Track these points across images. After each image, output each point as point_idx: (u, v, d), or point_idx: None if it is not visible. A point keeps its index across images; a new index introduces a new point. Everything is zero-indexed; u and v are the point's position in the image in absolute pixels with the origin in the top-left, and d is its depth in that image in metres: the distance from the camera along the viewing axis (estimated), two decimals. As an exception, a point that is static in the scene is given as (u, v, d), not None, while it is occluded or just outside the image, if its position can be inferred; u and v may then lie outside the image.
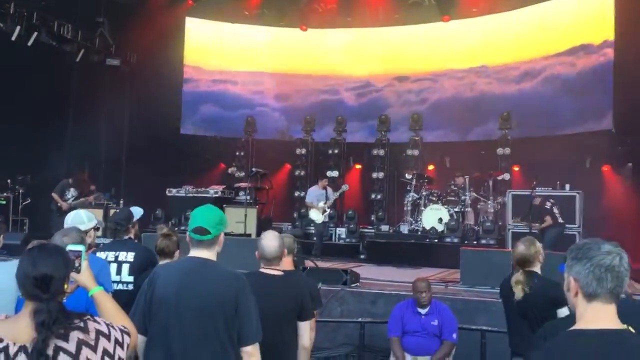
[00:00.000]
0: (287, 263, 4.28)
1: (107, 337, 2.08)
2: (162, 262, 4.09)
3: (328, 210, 11.45)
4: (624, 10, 11.58)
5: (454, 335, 5.35)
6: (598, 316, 1.85)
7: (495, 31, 14.43)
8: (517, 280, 4.10)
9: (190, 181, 13.22)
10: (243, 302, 2.97)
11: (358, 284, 7.60)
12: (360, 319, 6.39)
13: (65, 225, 3.96)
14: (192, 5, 15.38)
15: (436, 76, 15.25)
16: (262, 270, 3.77)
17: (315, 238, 11.42)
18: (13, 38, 11.89)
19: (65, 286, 2.11)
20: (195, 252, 3.07)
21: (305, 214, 11.91)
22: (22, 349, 1.95)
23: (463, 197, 11.73)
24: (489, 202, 12.02)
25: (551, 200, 10.24)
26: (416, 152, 13.57)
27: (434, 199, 11.76)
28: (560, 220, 10.03)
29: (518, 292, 4.05)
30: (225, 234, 3.19)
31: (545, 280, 4.08)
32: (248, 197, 11.98)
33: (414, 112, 14.24)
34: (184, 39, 15.97)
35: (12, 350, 1.95)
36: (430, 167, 13.85)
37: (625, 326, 1.86)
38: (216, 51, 16.32)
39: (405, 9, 14.88)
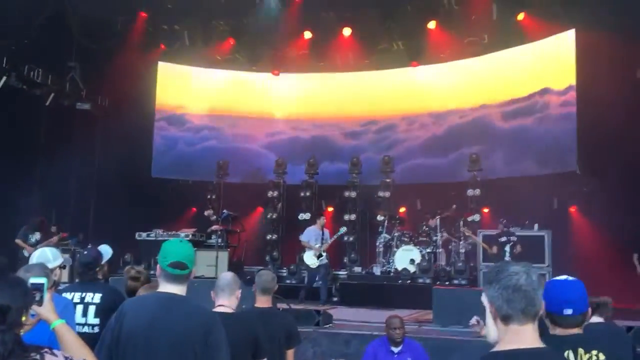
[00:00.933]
0: (264, 301, 4.25)
1: None
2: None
3: (324, 254, 10.74)
4: (585, 55, 12.04)
5: (428, 374, 5.31)
6: (514, 337, 1.86)
7: (462, 76, 14.84)
8: None
9: (161, 225, 13.06)
10: (214, 338, 2.92)
11: (331, 324, 7.53)
12: (333, 360, 6.31)
13: (30, 262, 3.88)
14: (164, 50, 15.50)
15: (406, 119, 15.54)
16: (214, 309, 3.71)
17: (305, 282, 11.07)
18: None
19: (24, 318, 2.07)
20: (166, 287, 3.02)
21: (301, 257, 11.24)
22: None
23: (435, 238, 11.81)
24: (461, 242, 12.11)
25: (512, 239, 10.39)
26: (387, 194, 13.68)
27: (405, 239, 11.81)
28: (506, 257, 10.13)
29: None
30: (196, 277, 3.16)
31: None
32: (219, 240, 11.88)
33: (385, 155, 14.42)
34: (155, 83, 16.01)
35: None
36: (402, 209, 13.95)
37: (542, 345, 1.87)
38: (188, 95, 16.40)
39: (375, 55, 15.24)
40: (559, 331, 2.61)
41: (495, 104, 14.38)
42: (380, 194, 13.71)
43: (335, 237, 11.17)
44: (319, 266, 10.65)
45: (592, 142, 11.57)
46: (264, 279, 4.26)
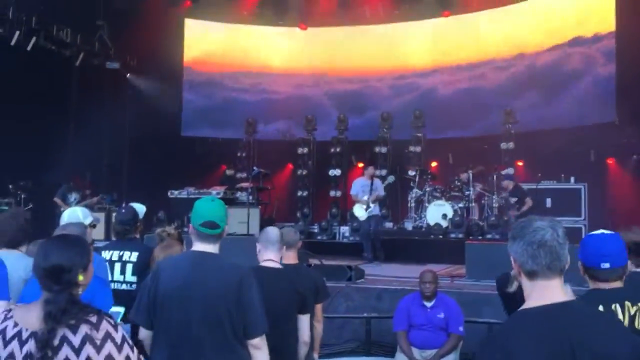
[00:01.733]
0: (290, 257, 4.24)
1: (118, 346, 2.02)
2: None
3: (372, 206, 10.11)
4: (625, 0, 11.52)
5: (461, 328, 5.29)
6: (542, 293, 1.84)
7: (495, 25, 14.38)
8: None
9: (192, 183, 13.16)
10: (247, 294, 2.93)
11: (363, 279, 7.55)
12: (365, 315, 6.34)
13: (62, 222, 3.93)
14: (190, 7, 15.35)
15: (438, 72, 15.19)
16: (261, 264, 3.73)
17: (360, 238, 10.61)
18: (12, 43, 11.87)
19: (81, 277, 2.07)
20: (200, 246, 3.04)
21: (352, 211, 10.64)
22: (33, 335, 1.96)
23: (467, 193, 11.66)
24: (494, 196, 11.94)
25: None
26: (419, 149, 13.51)
27: (437, 195, 11.69)
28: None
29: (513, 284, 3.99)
30: (228, 234, 3.16)
31: None
32: (250, 198, 11.93)
33: (415, 109, 14.17)
34: (183, 40, 15.95)
35: (25, 335, 1.98)
36: (434, 164, 13.79)
37: (570, 298, 1.85)
38: (216, 52, 16.30)
39: (405, 5, 14.84)
40: (600, 285, 2.57)
41: (529, 53, 13.93)
42: (412, 148, 13.55)
43: (384, 185, 10.63)
44: (368, 218, 10.11)
45: (632, 92, 11.15)
46: (287, 236, 4.25)
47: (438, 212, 11.30)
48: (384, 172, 13.78)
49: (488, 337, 1.89)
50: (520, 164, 12.86)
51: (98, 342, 1.96)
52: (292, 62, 16.23)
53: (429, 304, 5.38)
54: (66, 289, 2.01)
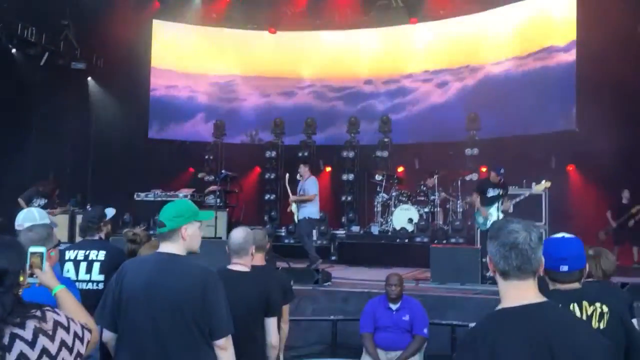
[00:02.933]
0: (258, 259, 4.26)
1: (66, 329, 2.06)
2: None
3: (294, 206, 9.28)
4: (586, 11, 11.87)
5: (425, 330, 5.39)
6: (517, 293, 1.89)
7: (461, 33, 14.63)
8: None
9: (159, 186, 13.05)
10: (211, 296, 2.94)
11: (330, 283, 7.61)
12: (332, 317, 6.40)
13: (17, 223, 3.87)
14: (158, 8, 15.22)
15: (405, 78, 15.39)
16: (229, 267, 3.74)
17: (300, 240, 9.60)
18: (-26, 41, 11.62)
19: (21, 278, 2.09)
20: (162, 247, 3.05)
21: None
22: None
23: (432, 197, 11.85)
24: (458, 201, 12.16)
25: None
26: (385, 154, 13.67)
27: (403, 199, 11.85)
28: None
29: None
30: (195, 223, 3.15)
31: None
32: (218, 201, 11.89)
33: (383, 114, 14.33)
34: (151, 41, 15.78)
35: None
36: (400, 169, 13.96)
37: (544, 299, 1.90)
38: (184, 54, 16.19)
39: (373, 12, 14.99)
40: (559, 286, 2.67)
41: (494, 62, 14.23)
42: (378, 153, 13.70)
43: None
44: (298, 219, 9.37)
45: (592, 100, 11.49)
46: (257, 237, 4.27)
47: (404, 217, 11.46)
48: (351, 176, 13.91)
49: (468, 336, 1.94)
50: (484, 169, 13.12)
51: (50, 332, 2.00)
52: (261, 65, 16.23)
53: (394, 307, 5.46)
54: (10, 291, 2.02)
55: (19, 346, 1.94)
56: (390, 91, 15.54)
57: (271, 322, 3.80)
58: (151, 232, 10.01)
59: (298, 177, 9.52)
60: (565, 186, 12.19)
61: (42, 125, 13.30)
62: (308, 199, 9.13)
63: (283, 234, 12.83)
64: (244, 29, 15.95)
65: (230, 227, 11.46)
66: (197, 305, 2.89)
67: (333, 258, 11.42)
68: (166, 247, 3.03)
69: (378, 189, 12.32)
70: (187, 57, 16.22)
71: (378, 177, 12.37)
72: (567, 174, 12.64)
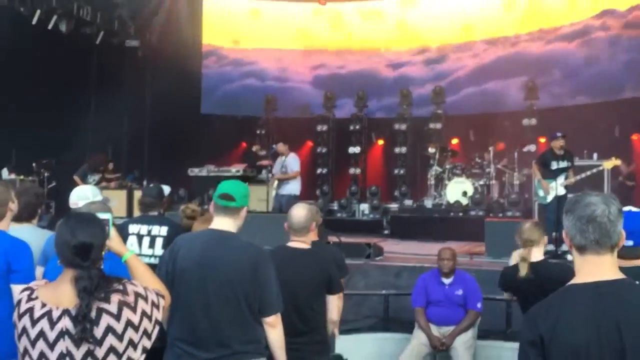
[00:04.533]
0: (312, 235, 4.24)
1: (145, 299, 2.14)
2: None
3: (275, 184, 9.38)
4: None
5: (479, 305, 5.29)
6: (591, 269, 1.83)
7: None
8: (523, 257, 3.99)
9: (212, 161, 13.23)
10: (262, 273, 2.96)
11: (382, 257, 7.56)
12: (384, 292, 6.36)
13: (71, 201, 3.95)
14: (209, -16, 15.28)
15: (458, 47, 14.97)
16: (288, 244, 3.72)
17: None
18: (34, 22, 11.96)
19: (103, 253, 2.17)
20: (217, 222, 3.06)
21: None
22: (66, 312, 2.04)
23: (488, 170, 11.56)
24: (515, 174, 11.82)
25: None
26: (439, 126, 13.40)
27: (457, 172, 11.61)
28: None
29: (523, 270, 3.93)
30: (248, 212, 3.17)
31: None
32: (270, 175, 11.96)
33: (436, 85, 14.02)
34: (201, 17, 15.90)
35: (56, 314, 2.04)
36: (454, 141, 13.67)
37: (621, 276, 1.83)
38: (234, 29, 16.25)
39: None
40: (620, 263, 2.53)
41: (552, 27, 13.65)
42: (432, 125, 13.44)
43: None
44: (278, 196, 9.39)
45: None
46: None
47: (458, 190, 11.23)
48: (403, 149, 13.72)
49: (533, 309, 1.88)
50: (542, 140, 12.68)
51: (132, 304, 2.08)
52: (311, 38, 16.12)
53: (447, 281, 5.37)
54: (95, 265, 2.09)
55: (105, 320, 2.02)
56: (444, 61, 15.16)
57: (332, 300, 3.80)
58: (205, 207, 10.19)
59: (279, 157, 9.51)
60: (629, 157, 11.66)
61: (99, 104, 13.66)
62: (292, 177, 9.14)
63: (335, 208, 12.82)
64: (295, 1, 15.82)
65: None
66: (247, 282, 2.92)
67: (385, 232, 11.35)
68: (222, 222, 3.05)
69: (431, 162, 12.11)
70: (238, 32, 16.27)
71: (431, 150, 12.15)
72: (631, 144, 12.08)
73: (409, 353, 5.27)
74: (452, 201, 11.12)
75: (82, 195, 3.94)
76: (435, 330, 5.31)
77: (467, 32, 14.86)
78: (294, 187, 9.17)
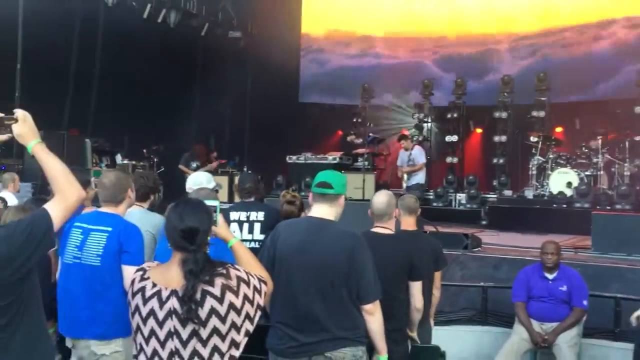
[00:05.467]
0: (408, 223, 4.25)
1: (247, 284, 2.22)
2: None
3: (405, 177, 10.63)
4: None
5: (585, 302, 5.08)
6: None
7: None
8: None
9: (309, 148, 13.46)
10: (359, 261, 3.00)
11: (479, 248, 7.41)
12: (482, 284, 6.24)
13: (187, 187, 4.19)
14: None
15: (565, 30, 14.23)
16: (372, 229, 3.76)
17: None
18: (144, 15, 12.65)
19: (209, 238, 2.27)
20: (316, 210, 3.13)
21: None
22: (173, 293, 2.15)
23: (595, 160, 10.98)
24: (625, 164, 11.14)
25: None
26: (542, 114, 12.83)
27: (562, 162, 11.11)
28: None
29: None
30: (345, 199, 3.22)
31: None
32: (366, 163, 12.01)
33: (539, 71, 13.42)
34: (301, 6, 16.12)
35: (165, 294, 2.16)
36: (558, 129, 13.07)
37: None
38: (332, 17, 16.34)
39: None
40: None
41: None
42: (534, 113, 12.89)
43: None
44: (407, 188, 10.48)
45: None
46: (407, 202, 4.25)
47: (562, 180, 10.75)
48: (503, 138, 13.29)
49: None
50: (657, 130, 11.86)
51: (235, 288, 2.16)
52: (408, 25, 15.90)
53: (550, 276, 5.20)
54: (201, 249, 2.19)
55: (209, 302, 2.12)
56: (547, 45, 14.48)
57: (415, 286, 3.79)
58: (302, 193, 10.42)
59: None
60: None
61: (204, 93, 14.25)
62: (419, 169, 10.27)
63: (431, 197, 12.66)
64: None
65: (377, 189, 11.54)
66: (344, 268, 2.97)
67: (483, 222, 11.08)
68: (321, 210, 3.11)
69: (533, 151, 11.64)
70: (335, 21, 16.34)
71: (533, 139, 11.68)
72: None
73: (508, 348, 5.16)
74: (555, 192, 10.67)
75: (197, 182, 4.17)
76: (537, 326, 5.16)
77: (575, 16, 14.08)
78: (420, 177, 10.27)
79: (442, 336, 5.16)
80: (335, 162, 12.61)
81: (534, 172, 11.53)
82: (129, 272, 2.91)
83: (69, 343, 3.26)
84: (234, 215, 4.41)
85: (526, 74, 13.93)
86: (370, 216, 3.82)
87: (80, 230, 3.22)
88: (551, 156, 11.22)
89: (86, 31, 12.13)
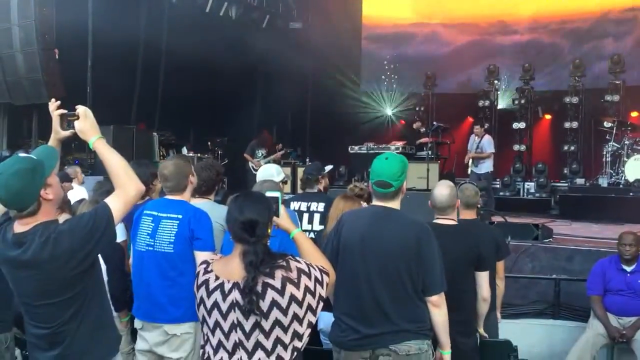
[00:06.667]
0: (467, 213, 4.13)
1: (308, 275, 2.20)
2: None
3: (471, 163, 10.57)
4: None
5: (667, 296, 4.79)
6: None
7: None
8: None
9: (372, 138, 13.34)
10: (425, 250, 2.91)
11: (551, 239, 7.13)
12: (554, 276, 5.99)
13: (258, 179, 4.21)
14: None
15: (633, 9, 13.46)
16: (434, 221, 3.67)
17: None
18: (207, 9, 12.85)
19: (269, 230, 2.27)
20: (378, 203, 3.06)
21: None
22: (235, 285, 2.17)
23: (676, 146, 10.38)
24: None
25: None
26: (616, 98, 12.25)
27: (638, 148, 10.57)
28: None
29: None
30: (408, 189, 3.12)
31: None
32: (429, 153, 11.78)
33: (613, 53, 12.78)
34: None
35: (227, 286, 2.19)
36: (634, 114, 12.43)
37: None
38: (393, 3, 16.10)
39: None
40: None
41: None
42: (608, 97, 12.33)
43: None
44: (472, 174, 10.50)
45: None
46: (467, 193, 4.13)
47: (639, 168, 10.23)
48: (574, 124, 12.76)
49: None
50: None
51: (295, 280, 2.16)
52: (472, 10, 15.46)
53: (628, 268, 4.94)
54: (260, 241, 2.19)
55: (270, 294, 2.13)
56: (620, 26, 13.74)
57: (482, 276, 3.70)
58: (365, 184, 10.32)
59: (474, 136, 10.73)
60: None
61: (265, 85, 14.37)
62: (487, 156, 10.33)
63: (498, 186, 12.32)
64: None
65: (441, 179, 11.30)
66: (410, 259, 2.89)
67: (553, 212, 10.69)
68: (384, 203, 3.01)
69: (607, 137, 11.13)
70: (396, 7, 16.11)
71: (607, 124, 11.16)
72: None
73: (584, 343, 4.94)
74: (631, 180, 10.17)
75: (268, 174, 4.18)
76: (614, 320, 4.92)
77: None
78: (488, 165, 10.39)
79: (510, 330, 4.97)
80: (398, 151, 12.44)
81: (609, 160, 11.02)
82: (201, 257, 2.95)
83: (138, 324, 3.33)
84: (294, 205, 4.42)
85: (599, 56, 13.29)
86: (430, 207, 3.72)
87: (151, 218, 3.29)
88: (627, 142, 10.70)
89: (152, 27, 12.44)
